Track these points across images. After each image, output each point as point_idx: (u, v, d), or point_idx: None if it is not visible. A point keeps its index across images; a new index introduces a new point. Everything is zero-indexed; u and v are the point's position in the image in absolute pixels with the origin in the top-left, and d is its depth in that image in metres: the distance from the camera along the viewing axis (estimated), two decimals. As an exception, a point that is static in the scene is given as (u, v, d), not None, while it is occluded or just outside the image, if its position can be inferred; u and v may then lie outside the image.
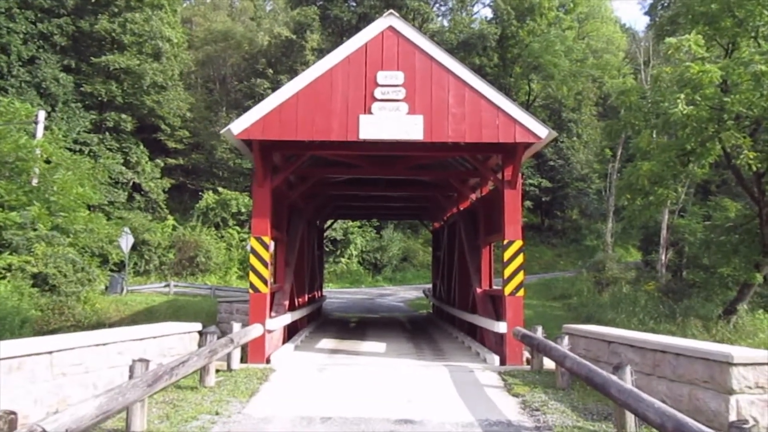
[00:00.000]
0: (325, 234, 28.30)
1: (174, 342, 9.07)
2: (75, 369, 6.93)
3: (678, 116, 17.51)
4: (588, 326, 10.18)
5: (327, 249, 40.28)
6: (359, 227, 41.81)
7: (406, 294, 34.87)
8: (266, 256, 10.51)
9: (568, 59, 45.21)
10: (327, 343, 13.59)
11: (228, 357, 9.33)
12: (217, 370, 9.23)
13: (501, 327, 10.45)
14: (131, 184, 37.24)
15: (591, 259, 34.65)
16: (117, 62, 34.60)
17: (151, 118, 38.74)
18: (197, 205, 38.37)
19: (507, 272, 10.47)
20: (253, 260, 10.50)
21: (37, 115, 23.33)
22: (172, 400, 7.27)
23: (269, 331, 10.50)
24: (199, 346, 9.02)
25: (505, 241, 10.56)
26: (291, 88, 9.90)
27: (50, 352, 6.40)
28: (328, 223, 25.16)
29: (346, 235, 40.83)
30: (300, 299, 15.41)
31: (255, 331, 9.76)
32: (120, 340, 7.78)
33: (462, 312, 14.48)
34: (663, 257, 29.62)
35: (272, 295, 12.37)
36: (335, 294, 33.49)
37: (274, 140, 10.23)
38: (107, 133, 35.78)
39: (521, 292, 10.49)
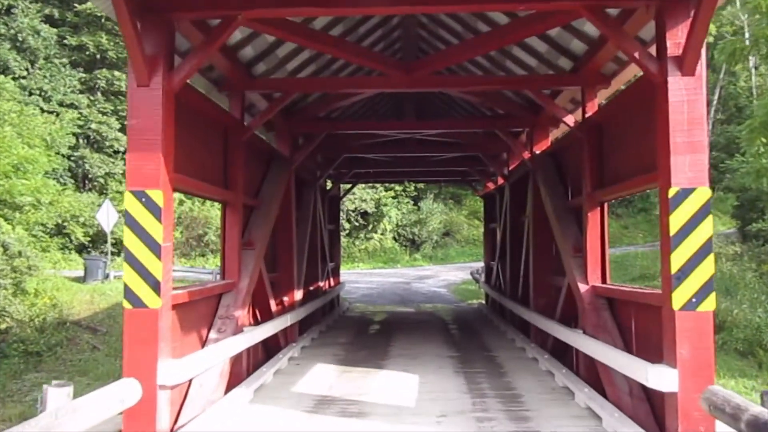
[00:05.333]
0: (343, 202, 22.84)
1: None
2: None
3: None
4: None
5: (357, 223, 35.09)
6: (394, 198, 36.49)
7: (448, 275, 29.35)
8: (157, 232, 4.99)
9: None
10: (319, 375, 8.09)
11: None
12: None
13: (664, 379, 4.69)
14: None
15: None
16: (105, 8, 29.52)
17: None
18: (206, 175, 33.55)
19: (677, 260, 4.69)
20: (129, 239, 5.01)
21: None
22: None
23: (165, 388, 5.01)
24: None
25: (673, 192, 4.75)
26: None
27: None
28: (347, 187, 19.53)
29: (379, 207, 35.53)
30: (285, 298, 9.94)
31: (96, 407, 4.13)
32: None
33: (547, 321, 8.59)
34: (780, 226, 23.11)
35: (216, 299, 6.98)
36: (365, 277, 28.22)
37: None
38: (99, 94, 30.94)
39: (710, 303, 4.72)
